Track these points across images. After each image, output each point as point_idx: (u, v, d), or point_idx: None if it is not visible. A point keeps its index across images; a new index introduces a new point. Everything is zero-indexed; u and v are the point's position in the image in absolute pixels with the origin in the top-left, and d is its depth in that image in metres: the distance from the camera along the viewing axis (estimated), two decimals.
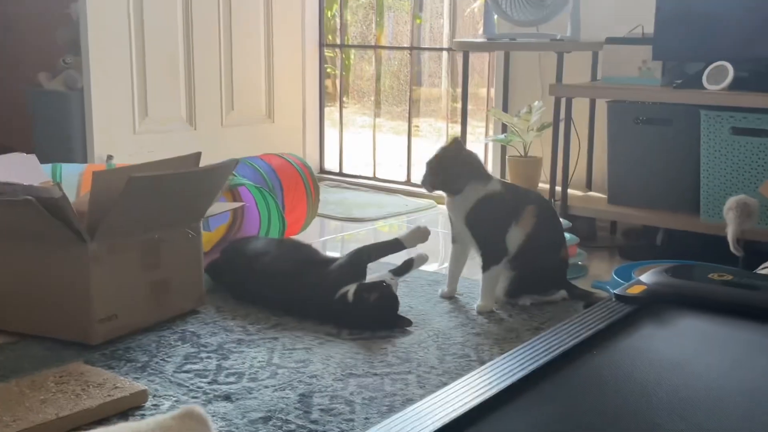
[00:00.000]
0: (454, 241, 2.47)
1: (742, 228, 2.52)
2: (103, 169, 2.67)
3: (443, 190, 2.39)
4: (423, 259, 2.50)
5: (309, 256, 2.45)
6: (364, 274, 2.33)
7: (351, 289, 2.20)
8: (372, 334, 2.16)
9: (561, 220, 2.55)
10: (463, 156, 2.39)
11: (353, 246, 3.15)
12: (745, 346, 1.70)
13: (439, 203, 3.90)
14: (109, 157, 3.53)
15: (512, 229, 2.35)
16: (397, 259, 2.52)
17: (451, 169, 2.35)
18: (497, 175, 3.67)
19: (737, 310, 1.83)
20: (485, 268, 2.37)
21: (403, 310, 2.29)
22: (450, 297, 2.48)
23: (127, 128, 3.64)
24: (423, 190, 4.06)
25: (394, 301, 2.22)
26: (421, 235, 2.47)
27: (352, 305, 2.18)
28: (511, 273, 2.37)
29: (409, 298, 2.45)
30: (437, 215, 3.74)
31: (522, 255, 2.35)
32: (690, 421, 1.34)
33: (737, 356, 1.64)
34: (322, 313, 2.24)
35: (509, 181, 3.35)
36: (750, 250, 2.55)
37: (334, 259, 2.42)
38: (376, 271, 2.44)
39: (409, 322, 2.21)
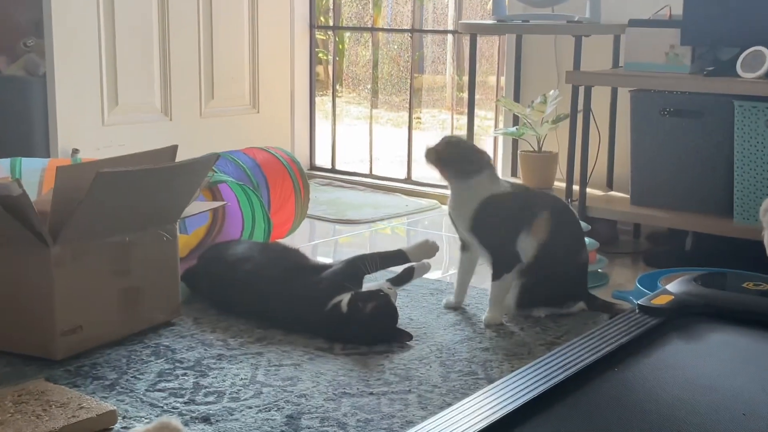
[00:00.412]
0: (462, 249, 2.47)
1: None
2: (67, 163, 2.67)
3: (447, 169, 2.37)
4: (425, 268, 2.50)
5: (298, 262, 2.45)
6: (359, 284, 2.33)
7: (345, 298, 2.20)
8: (368, 349, 2.16)
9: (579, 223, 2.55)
10: (478, 148, 2.43)
11: (346, 251, 3.14)
12: None
13: (442, 203, 3.90)
14: (75, 151, 3.53)
15: (523, 238, 2.35)
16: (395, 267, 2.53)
17: (464, 151, 2.37)
18: (508, 173, 3.67)
19: None
20: (495, 276, 2.37)
21: (402, 323, 2.29)
22: (456, 308, 2.48)
23: (94, 119, 3.63)
24: (425, 189, 4.10)
25: (392, 312, 2.22)
26: (428, 249, 2.50)
27: (346, 316, 2.18)
28: (522, 282, 2.37)
29: (409, 309, 2.46)
30: (441, 216, 3.75)
31: (535, 264, 2.35)
32: None
33: None
34: (312, 325, 2.24)
35: (520, 182, 3.34)
36: None
37: (326, 266, 2.42)
38: (373, 279, 2.44)
39: (409, 336, 2.21)
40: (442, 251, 3.21)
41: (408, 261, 2.48)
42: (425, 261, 2.51)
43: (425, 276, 2.59)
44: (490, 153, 3.92)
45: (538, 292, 2.38)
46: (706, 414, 1.47)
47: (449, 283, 2.71)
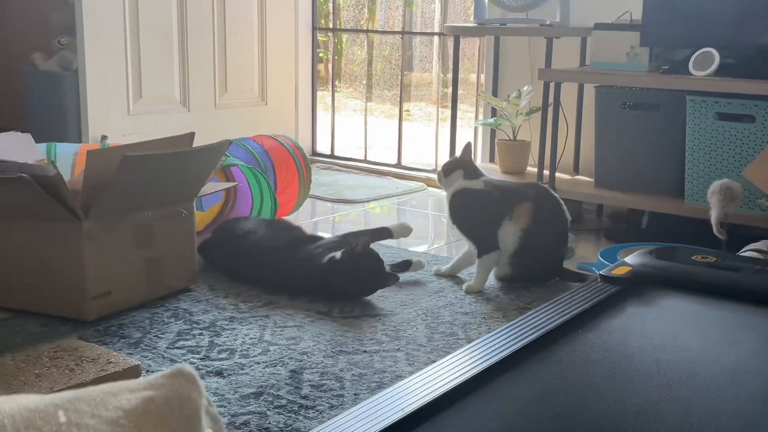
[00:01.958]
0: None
1: (725, 211, 2.53)
2: (97, 148, 2.66)
3: (441, 178, 2.51)
4: (420, 265, 2.51)
5: (299, 236, 2.46)
6: None
7: (339, 252, 2.23)
8: (362, 312, 2.17)
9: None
10: (456, 158, 2.51)
11: (344, 227, 3.14)
12: (726, 325, 1.71)
13: (429, 185, 3.90)
14: (104, 137, 3.51)
15: (506, 224, 2.35)
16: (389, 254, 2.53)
17: (445, 164, 2.51)
18: (487, 158, 3.67)
19: (720, 291, 1.84)
20: (478, 255, 2.40)
21: (391, 290, 2.30)
22: (443, 276, 2.48)
23: (121, 109, 3.62)
24: (413, 173, 4.10)
25: (380, 259, 2.25)
26: (405, 230, 2.56)
27: (340, 262, 2.20)
28: (510, 268, 2.37)
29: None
30: (427, 197, 3.75)
31: (522, 252, 2.34)
32: (673, 397, 1.34)
33: (719, 335, 1.65)
34: (311, 283, 2.25)
35: (502, 179, 3.30)
36: (733, 234, 2.56)
37: (323, 238, 2.43)
38: None
39: (396, 278, 2.24)
40: (427, 227, 3.22)
41: (391, 236, 2.53)
42: (423, 261, 2.52)
43: (413, 249, 2.59)
44: (471, 140, 3.93)
45: (521, 274, 2.38)
46: (657, 369, 1.47)
47: (434, 256, 2.72)
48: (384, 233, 2.52)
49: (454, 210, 2.44)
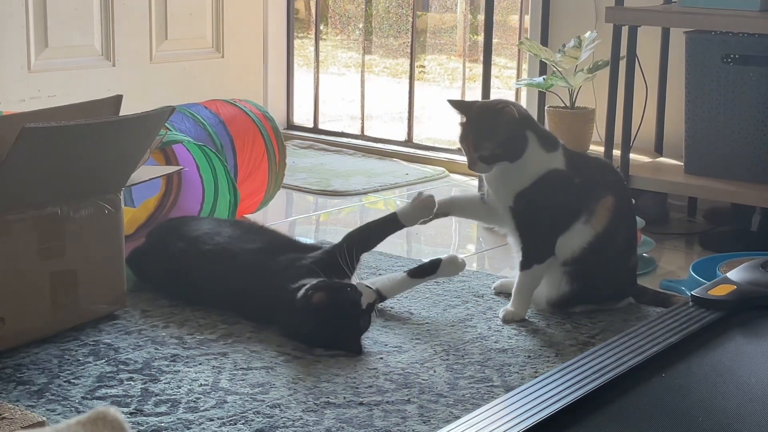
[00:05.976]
0: (484, 200, 2.43)
1: None
2: None
3: (502, 162, 2.31)
4: (455, 265, 2.44)
5: (273, 241, 2.46)
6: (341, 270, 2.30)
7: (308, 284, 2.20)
8: (358, 348, 2.17)
9: None
10: (510, 106, 2.34)
11: (331, 230, 3.14)
12: None
13: (451, 171, 3.90)
14: None
15: (578, 227, 2.34)
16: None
17: (499, 127, 2.30)
18: None
19: None
20: (525, 265, 2.37)
21: (401, 317, 2.31)
22: (440, 215, 2.44)
23: (18, 63, 3.62)
24: (430, 154, 4.11)
25: (351, 311, 2.16)
26: (424, 205, 2.38)
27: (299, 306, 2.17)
28: (568, 284, 2.37)
29: (408, 301, 2.47)
30: (449, 187, 3.75)
31: (585, 261, 2.35)
32: None
33: None
34: (287, 314, 2.25)
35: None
36: None
37: (312, 247, 2.43)
38: (389, 270, 2.45)
39: (358, 349, 2.16)
40: (449, 230, 3.22)
41: (401, 226, 2.39)
42: (460, 258, 2.46)
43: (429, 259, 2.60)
44: None
45: (583, 293, 2.39)
46: None
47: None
48: (427, 268, 2.43)
49: (535, 202, 2.34)
